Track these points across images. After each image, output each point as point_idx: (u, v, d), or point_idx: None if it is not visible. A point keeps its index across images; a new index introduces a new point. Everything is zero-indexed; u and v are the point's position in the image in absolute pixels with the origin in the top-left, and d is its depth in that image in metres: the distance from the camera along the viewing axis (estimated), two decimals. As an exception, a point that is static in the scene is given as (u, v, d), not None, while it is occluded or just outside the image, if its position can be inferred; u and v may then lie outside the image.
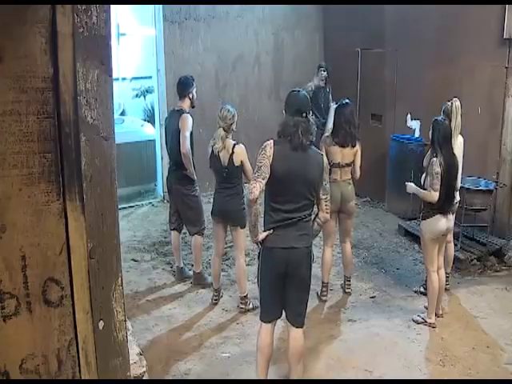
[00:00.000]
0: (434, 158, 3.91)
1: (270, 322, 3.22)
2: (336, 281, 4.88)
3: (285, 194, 3.04)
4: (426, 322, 4.12)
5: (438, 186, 3.90)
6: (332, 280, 4.82)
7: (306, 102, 3.14)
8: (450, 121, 4.24)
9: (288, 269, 3.05)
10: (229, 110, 4.14)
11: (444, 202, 3.96)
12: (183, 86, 4.73)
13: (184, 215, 4.80)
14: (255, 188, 2.96)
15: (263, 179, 2.98)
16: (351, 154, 4.41)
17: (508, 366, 3.66)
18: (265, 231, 3.09)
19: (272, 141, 3.06)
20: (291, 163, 3.01)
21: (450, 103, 4.37)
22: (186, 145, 4.59)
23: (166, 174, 7.12)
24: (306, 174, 3.01)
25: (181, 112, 4.63)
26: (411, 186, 4.21)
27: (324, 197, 3.12)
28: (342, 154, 4.39)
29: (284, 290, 3.11)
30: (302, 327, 3.20)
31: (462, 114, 4.38)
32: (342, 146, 4.36)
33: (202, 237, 4.84)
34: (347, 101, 4.59)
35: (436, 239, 4.05)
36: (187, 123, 4.60)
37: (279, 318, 3.25)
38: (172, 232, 4.96)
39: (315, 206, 3.17)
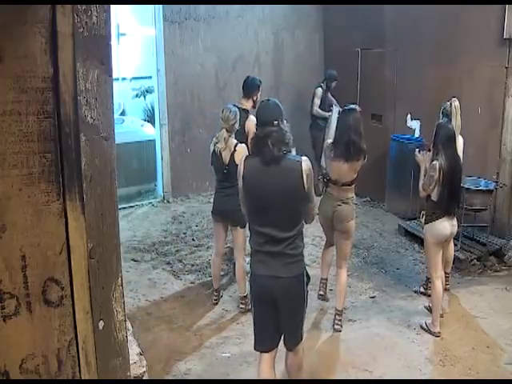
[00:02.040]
0: (435, 162, 3.87)
1: (266, 352, 2.90)
2: (334, 281, 4.86)
3: (262, 216, 2.72)
4: (430, 331, 4.04)
5: (429, 188, 3.91)
6: (332, 280, 4.82)
7: (277, 110, 2.79)
8: (450, 120, 4.24)
9: (274, 297, 2.76)
10: (231, 111, 4.13)
11: (447, 205, 3.90)
12: (248, 87, 4.78)
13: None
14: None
15: (243, 202, 2.83)
16: (353, 171, 3.88)
17: (508, 365, 3.66)
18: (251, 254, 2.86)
19: (245, 155, 2.87)
20: (265, 180, 2.70)
21: (448, 103, 4.37)
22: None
23: (166, 173, 7.18)
24: (284, 189, 2.66)
25: (246, 113, 4.65)
26: (419, 158, 4.18)
27: (309, 205, 2.79)
28: (341, 171, 3.88)
29: (277, 316, 2.82)
30: (295, 347, 2.94)
31: (462, 114, 4.38)
32: (345, 159, 3.83)
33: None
34: (352, 106, 4.03)
35: (439, 244, 3.97)
36: (253, 127, 4.62)
37: (276, 346, 2.93)
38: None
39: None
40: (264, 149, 2.67)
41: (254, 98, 4.75)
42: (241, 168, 2.76)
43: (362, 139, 3.85)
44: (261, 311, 2.88)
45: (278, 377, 3.07)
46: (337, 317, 4.14)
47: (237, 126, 4.19)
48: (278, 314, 2.83)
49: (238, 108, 4.68)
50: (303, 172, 2.66)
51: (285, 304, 2.79)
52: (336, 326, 4.11)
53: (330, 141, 4.04)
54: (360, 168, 3.93)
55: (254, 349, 2.95)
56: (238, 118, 4.18)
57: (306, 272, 2.86)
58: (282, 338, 2.93)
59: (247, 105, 4.74)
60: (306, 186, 2.67)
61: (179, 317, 4.32)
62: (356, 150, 3.82)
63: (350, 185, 3.96)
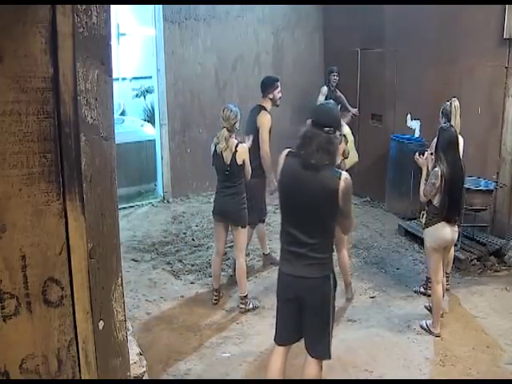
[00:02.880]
0: (437, 168, 3.83)
1: (282, 346, 2.95)
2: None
3: (292, 216, 2.73)
4: (431, 332, 4.04)
5: (430, 194, 3.89)
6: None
7: (335, 119, 2.73)
8: (450, 121, 4.23)
9: (298, 297, 2.78)
10: (231, 110, 4.13)
11: (448, 212, 3.86)
12: (263, 86, 4.86)
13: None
14: None
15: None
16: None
17: (508, 365, 3.66)
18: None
19: (288, 150, 2.77)
20: (300, 183, 2.65)
21: (448, 103, 4.36)
22: (264, 147, 4.70)
23: (166, 173, 7.17)
24: (315, 200, 2.62)
25: (260, 108, 4.74)
26: (420, 161, 4.18)
27: (344, 221, 2.74)
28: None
29: (298, 316, 2.84)
30: (318, 359, 2.87)
31: (462, 114, 4.38)
32: None
33: (263, 223, 5.11)
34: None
35: (439, 250, 3.93)
36: (266, 122, 4.70)
37: (293, 343, 2.96)
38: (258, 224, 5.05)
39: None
40: (307, 150, 2.61)
41: (270, 97, 4.78)
42: (280, 161, 2.72)
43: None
44: (283, 308, 2.91)
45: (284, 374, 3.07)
46: (347, 288, 4.57)
47: (237, 125, 4.19)
48: (301, 315, 2.83)
49: (257, 105, 4.74)
50: (339, 190, 2.59)
51: (307, 304, 2.78)
52: (348, 297, 4.56)
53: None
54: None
55: (274, 340, 2.97)
56: (239, 117, 4.18)
57: (334, 278, 2.81)
58: (304, 342, 2.90)
59: (266, 104, 4.79)
60: (340, 203, 2.61)
61: (179, 317, 4.32)
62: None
63: None
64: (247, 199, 4.42)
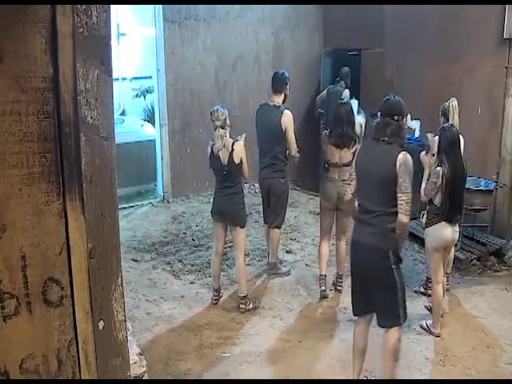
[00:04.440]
0: (438, 168, 3.84)
1: (360, 316, 3.25)
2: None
3: (362, 189, 3.15)
4: (431, 332, 4.04)
5: (430, 194, 3.90)
6: (331, 279, 4.82)
7: (400, 108, 3.20)
8: (448, 120, 4.23)
9: (364, 265, 3.08)
10: (218, 109, 4.13)
11: (449, 213, 3.86)
12: (279, 82, 4.76)
13: (271, 206, 4.90)
14: (353, 187, 3.32)
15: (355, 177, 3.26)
16: (349, 154, 4.37)
17: (508, 365, 3.66)
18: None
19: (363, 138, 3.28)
20: (368, 158, 3.11)
21: (447, 103, 4.36)
22: (294, 147, 4.71)
23: (165, 173, 7.17)
24: (378, 169, 3.02)
25: (279, 109, 4.67)
26: (425, 160, 4.22)
27: (399, 195, 2.96)
28: (339, 155, 4.38)
29: (366, 288, 3.13)
30: (389, 327, 3.14)
31: (463, 114, 4.37)
32: (338, 146, 4.36)
33: (279, 230, 4.99)
34: (344, 100, 4.59)
35: (440, 251, 3.93)
36: (291, 122, 4.69)
37: (369, 313, 3.22)
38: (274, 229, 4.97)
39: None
40: (380, 134, 3.05)
41: (287, 92, 4.76)
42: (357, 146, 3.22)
43: (353, 129, 4.38)
44: (353, 278, 3.24)
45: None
46: (338, 280, 4.75)
47: (228, 121, 4.17)
48: (369, 287, 3.10)
49: (269, 105, 4.72)
50: (397, 160, 2.95)
51: (372, 273, 3.06)
52: (338, 287, 4.73)
53: (326, 132, 4.51)
54: (356, 150, 4.21)
55: (353, 312, 3.29)
56: (227, 113, 4.16)
57: (398, 253, 3.07)
58: (376, 313, 3.17)
59: (279, 100, 4.73)
60: (397, 173, 2.94)
61: (179, 317, 4.32)
62: (347, 139, 4.35)
63: (348, 165, 4.37)
64: (278, 201, 4.56)
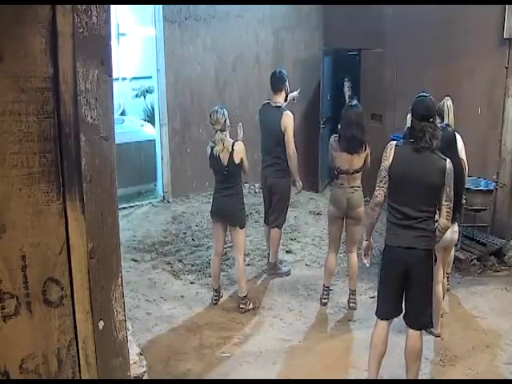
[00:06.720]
0: None
1: (385, 320, 3.26)
2: (335, 280, 4.87)
3: (403, 196, 3.11)
4: (431, 332, 4.01)
5: None
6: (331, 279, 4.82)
7: (433, 108, 3.21)
8: (443, 120, 4.23)
9: (406, 269, 3.10)
10: (217, 111, 4.11)
11: None
12: (278, 81, 4.76)
13: (273, 205, 4.89)
14: (379, 194, 3.22)
15: (385, 184, 3.18)
16: (360, 160, 4.22)
17: (508, 365, 3.66)
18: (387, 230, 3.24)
19: (395, 143, 3.20)
20: (411, 165, 3.09)
21: (442, 102, 4.37)
22: (291, 147, 4.68)
23: (165, 173, 7.17)
24: (425, 177, 3.04)
25: (280, 110, 4.67)
26: None
27: (446, 203, 3.08)
28: (349, 161, 4.20)
29: (403, 289, 3.17)
30: (419, 330, 3.21)
31: (462, 114, 4.37)
32: (349, 152, 4.17)
33: (280, 230, 4.94)
34: (355, 102, 4.38)
35: (439, 250, 3.85)
36: (291, 122, 4.67)
37: (396, 316, 3.27)
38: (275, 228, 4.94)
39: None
40: (420, 140, 3.03)
41: (287, 90, 4.76)
42: (390, 153, 3.13)
43: (364, 133, 4.22)
44: (388, 282, 3.23)
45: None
46: (351, 296, 4.48)
47: (228, 122, 4.16)
48: (406, 287, 3.14)
49: (271, 105, 4.69)
50: (446, 170, 3.04)
51: (415, 275, 3.09)
52: (351, 305, 4.46)
53: (335, 137, 4.33)
54: (366, 156, 4.28)
55: (375, 315, 3.30)
56: (227, 115, 4.15)
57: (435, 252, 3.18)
58: (405, 315, 3.21)
59: (280, 100, 4.73)
60: (446, 182, 3.03)
61: (179, 317, 4.32)
62: (358, 144, 4.19)
63: (359, 172, 4.27)
64: (277, 201, 4.50)
